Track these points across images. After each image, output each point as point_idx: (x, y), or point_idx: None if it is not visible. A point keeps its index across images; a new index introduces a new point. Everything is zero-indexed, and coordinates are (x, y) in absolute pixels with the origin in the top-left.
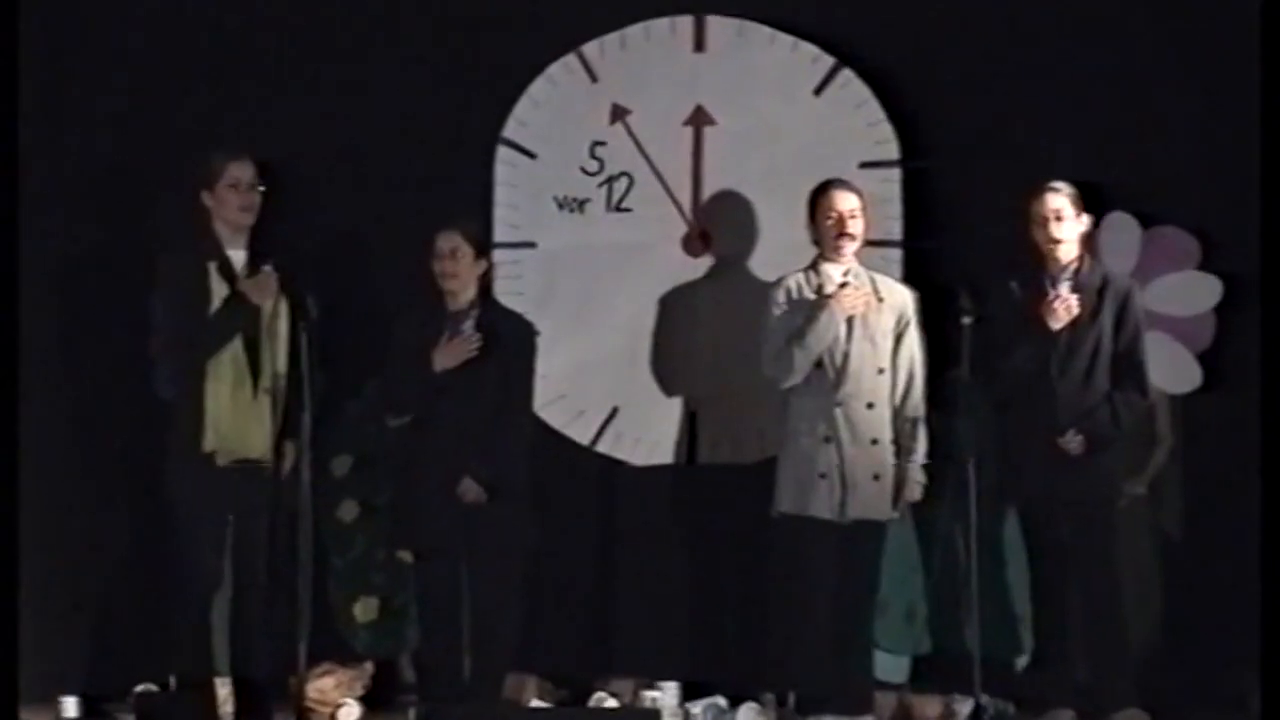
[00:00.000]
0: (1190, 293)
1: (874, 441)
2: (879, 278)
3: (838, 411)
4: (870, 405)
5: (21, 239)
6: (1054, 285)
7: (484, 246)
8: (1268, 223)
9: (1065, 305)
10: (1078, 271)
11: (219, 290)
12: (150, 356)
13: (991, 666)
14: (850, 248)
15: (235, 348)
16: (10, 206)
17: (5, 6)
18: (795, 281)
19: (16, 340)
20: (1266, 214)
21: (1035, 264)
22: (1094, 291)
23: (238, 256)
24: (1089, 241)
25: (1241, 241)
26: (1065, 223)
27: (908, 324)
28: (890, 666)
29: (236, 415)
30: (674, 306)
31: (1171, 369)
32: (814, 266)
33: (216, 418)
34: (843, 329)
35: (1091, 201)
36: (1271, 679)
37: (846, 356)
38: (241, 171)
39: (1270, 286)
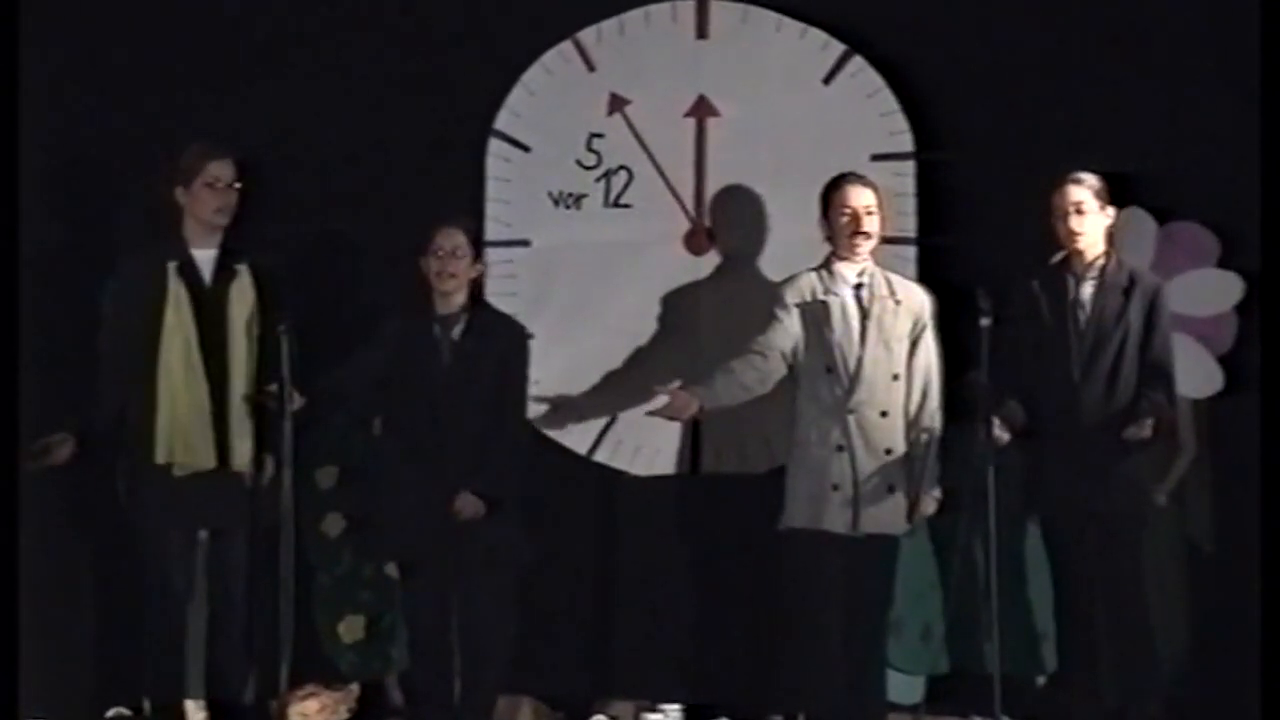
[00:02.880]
0: (1209, 291)
1: (888, 451)
2: (895, 278)
3: (850, 419)
4: (884, 414)
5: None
6: (1078, 283)
7: (481, 248)
8: None
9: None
10: (1103, 269)
11: (177, 291)
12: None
13: (1012, 687)
14: (866, 246)
15: (189, 352)
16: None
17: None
18: (808, 281)
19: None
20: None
21: (1058, 260)
22: (1119, 291)
23: (206, 256)
24: (1113, 236)
25: (1265, 238)
26: (1087, 216)
27: (924, 328)
28: (904, 687)
29: (192, 424)
30: (676, 307)
31: (1191, 372)
32: (827, 266)
33: (169, 427)
34: (856, 332)
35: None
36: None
37: (860, 362)
38: (221, 170)
39: None
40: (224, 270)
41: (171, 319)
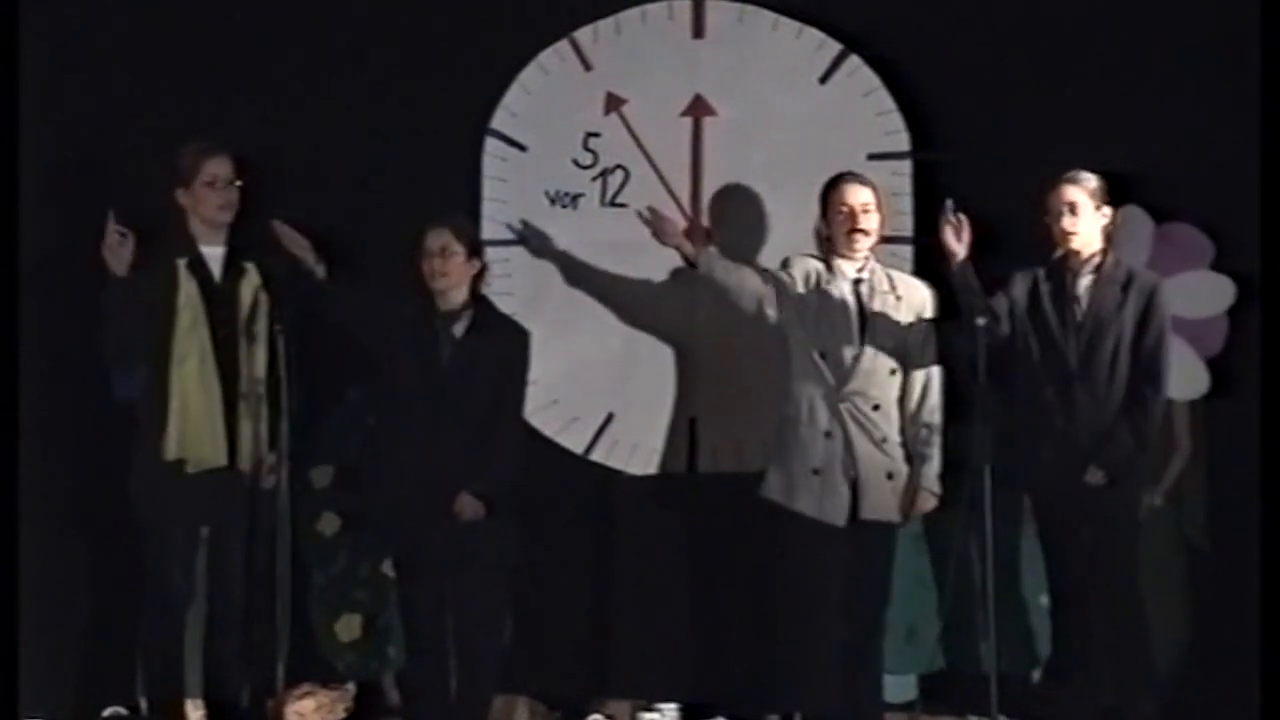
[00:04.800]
0: (1201, 293)
1: (882, 441)
2: (896, 275)
3: (842, 409)
4: (876, 407)
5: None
6: (1074, 278)
7: (477, 246)
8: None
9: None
10: (1099, 266)
11: (188, 288)
12: (103, 357)
13: (1008, 685)
14: (864, 243)
15: (203, 349)
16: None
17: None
18: (812, 265)
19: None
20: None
21: (1056, 258)
22: (1117, 287)
23: (214, 254)
24: (1111, 235)
25: (1256, 242)
26: (1081, 217)
27: (925, 323)
28: (896, 686)
29: (204, 421)
30: (673, 306)
31: (1179, 373)
32: (827, 262)
33: (181, 424)
34: (855, 325)
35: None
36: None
37: (856, 354)
38: (219, 168)
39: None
40: (233, 267)
41: (185, 317)
